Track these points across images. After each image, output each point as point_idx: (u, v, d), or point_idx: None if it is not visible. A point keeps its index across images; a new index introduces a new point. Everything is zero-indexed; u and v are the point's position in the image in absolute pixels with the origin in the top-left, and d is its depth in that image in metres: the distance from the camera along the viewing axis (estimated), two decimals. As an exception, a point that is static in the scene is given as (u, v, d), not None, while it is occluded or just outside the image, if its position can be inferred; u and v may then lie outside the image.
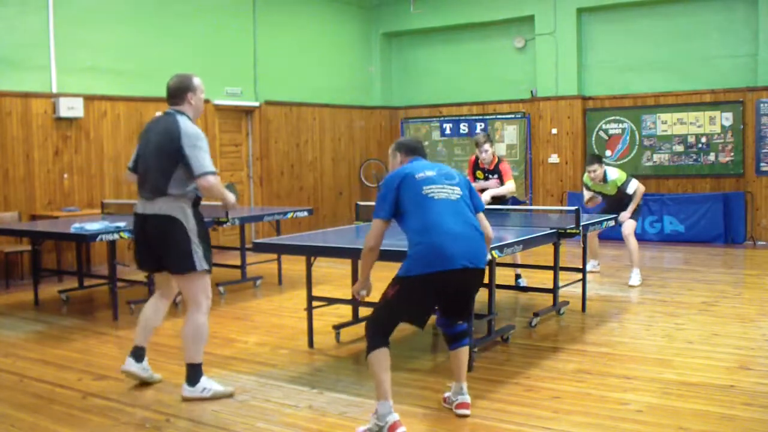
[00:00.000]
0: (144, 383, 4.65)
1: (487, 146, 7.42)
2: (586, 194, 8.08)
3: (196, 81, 4.47)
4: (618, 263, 9.24)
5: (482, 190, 7.40)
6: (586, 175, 7.96)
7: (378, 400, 3.78)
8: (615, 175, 7.81)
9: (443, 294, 3.95)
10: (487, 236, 4.06)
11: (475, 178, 7.63)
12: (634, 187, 7.77)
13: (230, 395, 4.41)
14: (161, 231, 4.33)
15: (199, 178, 4.24)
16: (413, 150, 4.23)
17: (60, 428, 4.01)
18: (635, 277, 7.73)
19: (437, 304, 4.05)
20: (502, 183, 7.45)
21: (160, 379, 4.72)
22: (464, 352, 4.15)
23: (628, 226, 7.77)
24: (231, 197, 4.55)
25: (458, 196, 3.95)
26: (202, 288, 4.40)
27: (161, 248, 4.37)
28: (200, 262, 4.33)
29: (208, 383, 4.40)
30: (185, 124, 4.32)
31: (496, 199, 7.42)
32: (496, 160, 7.53)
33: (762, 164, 10.63)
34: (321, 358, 5.31)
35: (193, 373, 4.37)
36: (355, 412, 4.14)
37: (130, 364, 4.61)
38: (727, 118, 10.91)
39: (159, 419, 4.10)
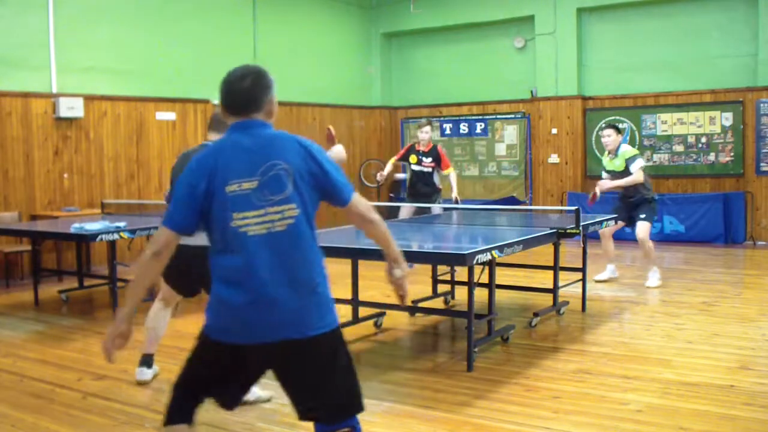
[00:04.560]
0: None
1: (427, 128, 8.39)
2: (604, 176, 7.83)
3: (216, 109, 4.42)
4: (618, 263, 9.24)
5: (423, 177, 8.38)
6: (604, 155, 7.87)
7: None
8: (626, 149, 7.60)
9: (258, 374, 2.69)
10: (371, 224, 2.81)
11: (408, 162, 8.50)
12: (637, 167, 7.46)
13: (267, 401, 4.33)
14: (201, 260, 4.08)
15: None
16: (229, 106, 2.63)
17: (60, 428, 4.01)
18: (653, 278, 7.55)
19: (251, 382, 2.74)
20: (439, 167, 8.33)
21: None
22: None
23: (642, 230, 7.47)
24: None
25: (289, 223, 2.52)
26: None
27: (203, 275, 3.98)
28: None
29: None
30: None
31: (425, 195, 8.35)
32: (432, 144, 8.44)
33: (762, 164, 10.63)
34: (321, 358, 5.30)
35: None
36: (355, 412, 4.13)
37: (144, 374, 4.73)
38: (727, 118, 10.91)
39: (159, 419, 4.09)
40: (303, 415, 2.66)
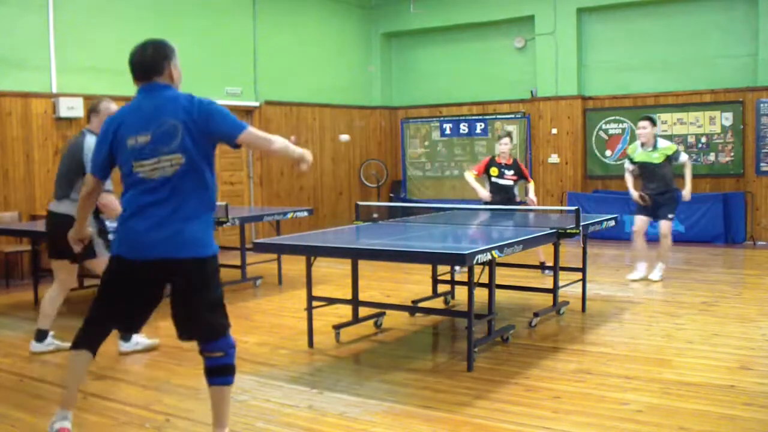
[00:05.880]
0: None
1: (506, 140, 8.14)
2: (628, 167, 7.86)
3: (101, 105, 5.27)
4: (618, 263, 9.24)
5: (504, 190, 8.14)
6: (632, 145, 7.90)
7: (59, 405, 3.52)
8: (666, 143, 7.71)
9: (148, 288, 3.36)
10: (269, 153, 3.48)
11: (489, 176, 8.19)
12: (686, 157, 7.65)
13: (155, 348, 5.30)
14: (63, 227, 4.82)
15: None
16: (135, 73, 3.34)
17: (60, 428, 4.01)
18: (657, 272, 7.75)
19: (142, 302, 3.41)
20: (522, 178, 8.22)
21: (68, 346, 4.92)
22: (222, 391, 3.40)
23: (666, 227, 7.64)
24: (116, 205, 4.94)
25: (177, 167, 3.15)
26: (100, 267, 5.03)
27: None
28: (100, 250, 5.15)
29: (139, 338, 5.32)
30: (89, 141, 5.05)
31: (508, 200, 8.15)
32: (512, 158, 8.24)
33: (762, 164, 10.63)
34: (321, 358, 5.31)
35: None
36: (355, 412, 4.14)
37: (35, 346, 5.44)
38: (727, 118, 10.91)
39: (159, 419, 4.10)
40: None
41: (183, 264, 3.20)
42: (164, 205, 3.16)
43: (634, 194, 7.79)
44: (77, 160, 5.10)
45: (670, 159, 7.63)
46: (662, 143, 7.72)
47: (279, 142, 3.34)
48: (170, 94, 3.25)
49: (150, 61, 3.26)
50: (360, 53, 13.56)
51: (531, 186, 8.23)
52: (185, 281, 3.25)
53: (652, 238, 8.24)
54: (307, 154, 3.50)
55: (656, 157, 7.64)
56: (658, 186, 7.67)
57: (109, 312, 3.39)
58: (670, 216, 7.70)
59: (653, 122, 7.72)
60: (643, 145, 7.71)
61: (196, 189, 3.20)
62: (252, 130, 3.27)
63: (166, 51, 3.30)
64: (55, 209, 5.26)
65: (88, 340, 3.41)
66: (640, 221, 7.85)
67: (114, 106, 5.13)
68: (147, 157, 3.16)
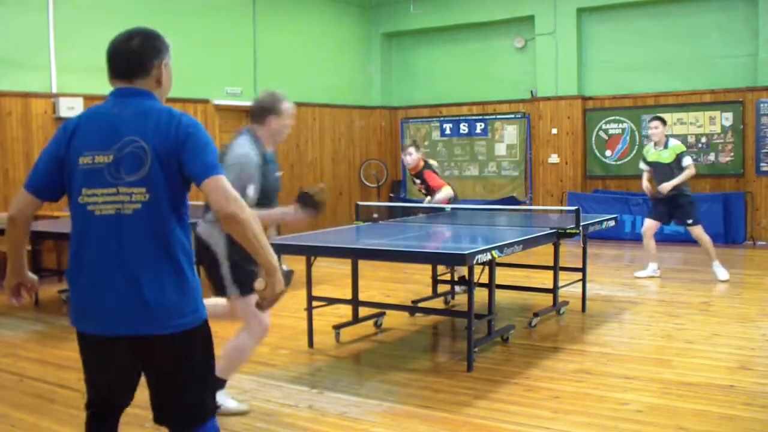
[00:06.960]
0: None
1: (411, 149, 7.19)
2: (643, 167, 8.00)
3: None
4: (618, 263, 9.24)
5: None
6: (647, 146, 8.04)
7: None
8: (676, 142, 7.84)
9: (120, 367, 2.48)
10: (224, 214, 2.29)
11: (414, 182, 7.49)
12: (690, 161, 7.70)
13: (244, 413, 4.11)
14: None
15: None
16: (112, 68, 2.46)
17: (60, 428, 4.01)
18: (721, 272, 7.77)
19: (126, 376, 2.52)
20: (430, 192, 7.17)
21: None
22: None
23: (693, 231, 7.76)
24: None
25: (138, 205, 2.31)
26: (243, 312, 3.94)
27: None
28: (230, 287, 3.90)
29: (222, 398, 4.05)
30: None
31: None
32: (421, 165, 7.18)
33: (762, 164, 10.63)
34: (321, 358, 5.31)
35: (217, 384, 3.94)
36: (355, 412, 4.14)
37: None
38: (727, 118, 10.91)
39: (159, 419, 4.09)
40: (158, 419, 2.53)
41: (160, 342, 2.37)
42: (123, 256, 2.31)
43: (644, 184, 7.97)
44: None
45: (678, 156, 7.69)
46: (673, 142, 7.84)
47: (244, 213, 2.30)
48: (148, 106, 2.40)
49: (135, 57, 2.42)
50: (360, 53, 13.55)
51: (438, 195, 7.01)
52: (164, 361, 2.41)
53: (660, 239, 8.26)
54: (276, 279, 2.41)
55: (666, 156, 7.74)
56: (667, 180, 7.72)
57: (102, 395, 2.57)
58: (688, 222, 7.77)
59: (664, 122, 7.87)
60: (655, 145, 7.87)
61: (163, 237, 2.34)
62: (221, 180, 2.33)
63: (157, 45, 2.50)
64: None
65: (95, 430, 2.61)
66: (649, 223, 8.00)
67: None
68: (103, 184, 2.31)
